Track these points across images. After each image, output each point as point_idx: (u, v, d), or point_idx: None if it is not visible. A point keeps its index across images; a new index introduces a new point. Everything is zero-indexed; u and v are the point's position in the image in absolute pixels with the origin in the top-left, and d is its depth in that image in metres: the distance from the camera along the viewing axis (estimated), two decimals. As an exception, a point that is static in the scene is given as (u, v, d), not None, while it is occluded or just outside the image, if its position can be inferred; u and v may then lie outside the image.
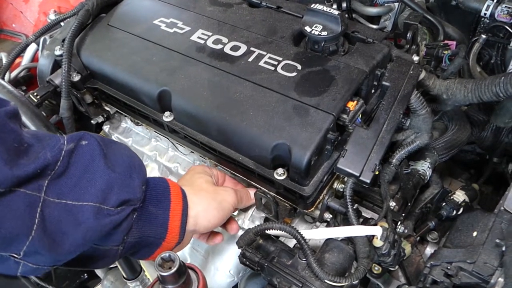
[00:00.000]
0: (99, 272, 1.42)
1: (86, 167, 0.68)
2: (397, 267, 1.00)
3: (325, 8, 0.98)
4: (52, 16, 1.34)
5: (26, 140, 0.64)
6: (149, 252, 0.81)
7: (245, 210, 1.09)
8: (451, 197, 1.15)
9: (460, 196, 1.15)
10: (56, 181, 0.64)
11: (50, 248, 0.63)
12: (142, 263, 1.19)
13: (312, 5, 0.99)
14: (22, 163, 0.60)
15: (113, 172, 0.70)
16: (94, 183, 0.68)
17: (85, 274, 1.71)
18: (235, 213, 1.09)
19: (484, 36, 1.28)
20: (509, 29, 1.26)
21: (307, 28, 0.97)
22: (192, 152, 1.12)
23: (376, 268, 0.97)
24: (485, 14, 1.27)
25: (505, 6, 1.21)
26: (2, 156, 0.58)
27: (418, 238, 1.08)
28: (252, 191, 1.00)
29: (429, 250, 1.10)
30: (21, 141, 0.63)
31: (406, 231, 1.00)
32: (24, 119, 1.02)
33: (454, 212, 1.12)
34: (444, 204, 1.14)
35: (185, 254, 1.21)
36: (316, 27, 0.97)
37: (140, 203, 0.75)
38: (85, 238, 0.67)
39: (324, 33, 0.96)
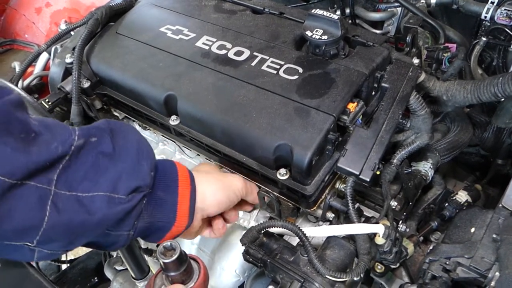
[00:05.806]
0: (108, 274, 1.45)
1: (94, 161, 0.70)
2: (399, 265, 1.02)
3: (325, 13, 1.00)
4: (63, 26, 1.38)
5: (34, 128, 0.65)
6: (160, 236, 0.82)
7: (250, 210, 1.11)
8: (454, 198, 1.16)
9: (462, 196, 1.16)
10: (65, 174, 0.66)
11: (63, 236, 0.66)
12: (150, 264, 1.22)
13: (313, 11, 1.02)
14: (33, 150, 0.62)
15: (121, 161, 0.72)
16: (104, 174, 0.69)
17: (96, 278, 1.75)
18: (240, 214, 1.12)
19: (484, 39, 1.29)
20: (509, 32, 1.27)
21: (308, 33, 1.00)
22: (198, 154, 1.15)
23: (379, 267, 0.99)
24: (485, 17, 1.29)
25: (504, 9, 1.23)
26: (12, 145, 0.59)
27: (422, 238, 1.09)
28: None
29: (432, 250, 1.11)
30: (28, 131, 0.64)
31: (407, 230, 1.01)
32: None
33: (457, 212, 1.13)
34: (446, 204, 1.15)
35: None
36: (317, 31, 1.00)
37: (150, 189, 0.76)
38: (98, 226, 0.69)
39: (325, 37, 0.99)
